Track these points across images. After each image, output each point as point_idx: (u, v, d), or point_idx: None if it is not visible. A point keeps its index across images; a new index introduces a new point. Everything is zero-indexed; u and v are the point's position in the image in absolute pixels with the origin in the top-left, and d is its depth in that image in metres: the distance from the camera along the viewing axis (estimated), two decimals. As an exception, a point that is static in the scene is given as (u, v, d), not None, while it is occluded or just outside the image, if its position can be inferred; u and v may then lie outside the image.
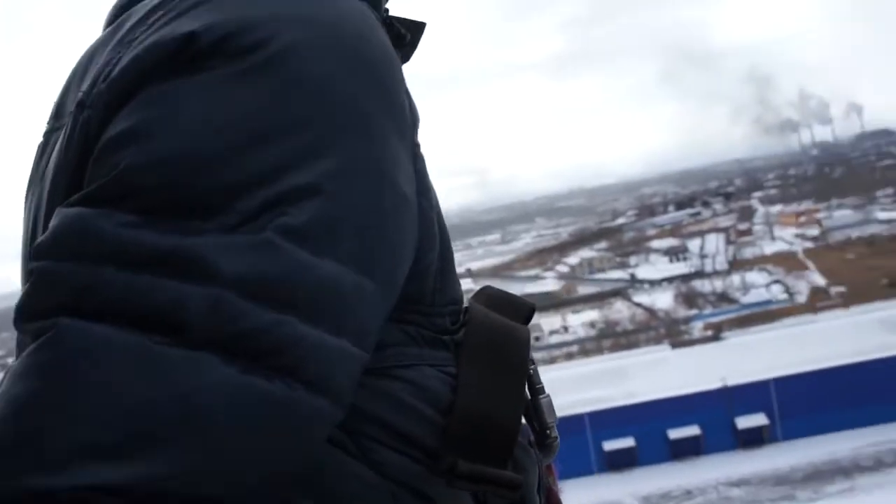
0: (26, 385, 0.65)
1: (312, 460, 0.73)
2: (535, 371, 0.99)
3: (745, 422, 33.59)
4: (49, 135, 0.92)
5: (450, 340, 0.90)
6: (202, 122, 0.71)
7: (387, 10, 0.98)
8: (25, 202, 0.95)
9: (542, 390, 1.00)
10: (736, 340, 41.15)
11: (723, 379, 33.47)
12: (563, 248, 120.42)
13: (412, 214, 0.82)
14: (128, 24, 0.82)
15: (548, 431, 1.00)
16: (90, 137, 0.76)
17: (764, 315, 63.74)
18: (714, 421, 33.44)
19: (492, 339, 0.92)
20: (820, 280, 78.34)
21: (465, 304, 0.98)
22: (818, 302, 66.78)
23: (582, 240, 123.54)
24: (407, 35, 0.99)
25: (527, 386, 0.97)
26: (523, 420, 0.94)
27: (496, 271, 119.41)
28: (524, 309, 1.01)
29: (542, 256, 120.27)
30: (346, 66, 0.77)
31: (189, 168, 0.70)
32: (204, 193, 0.70)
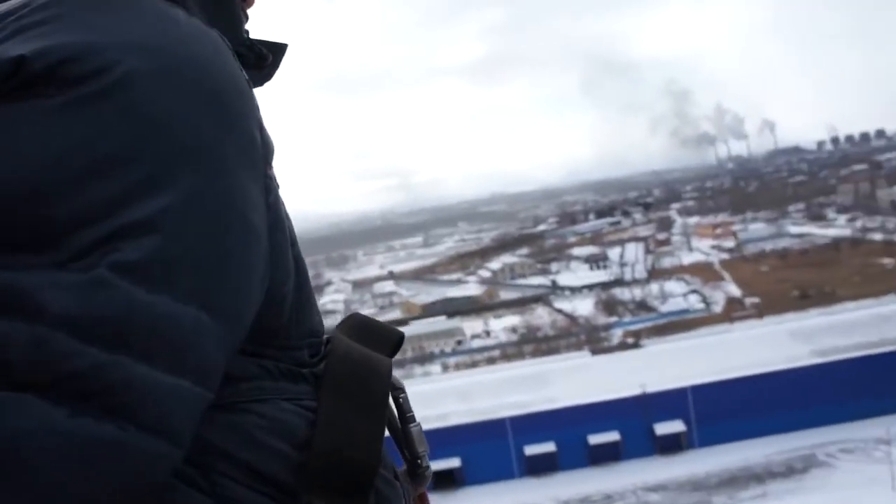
0: None
1: (152, 500, 0.69)
2: (406, 399, 0.97)
3: (662, 428, 33.94)
4: None
5: (309, 374, 0.88)
6: (33, 152, 0.67)
7: (247, 32, 0.97)
8: None
9: (412, 419, 0.98)
10: (654, 348, 41.73)
11: (642, 386, 33.76)
12: (485, 254, 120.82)
13: (261, 247, 0.79)
14: None
15: (419, 461, 0.99)
16: None
17: (682, 324, 64.96)
18: (633, 427, 33.70)
19: (353, 372, 0.90)
20: (735, 291, 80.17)
21: (329, 334, 0.95)
22: (733, 312, 68.38)
23: (504, 245, 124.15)
24: (269, 56, 0.97)
25: (397, 415, 0.96)
26: (395, 452, 0.93)
27: (418, 274, 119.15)
28: (391, 338, 0.98)
29: (465, 261, 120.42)
30: (190, 97, 0.74)
31: (17, 199, 0.66)
32: (33, 227, 0.66)
